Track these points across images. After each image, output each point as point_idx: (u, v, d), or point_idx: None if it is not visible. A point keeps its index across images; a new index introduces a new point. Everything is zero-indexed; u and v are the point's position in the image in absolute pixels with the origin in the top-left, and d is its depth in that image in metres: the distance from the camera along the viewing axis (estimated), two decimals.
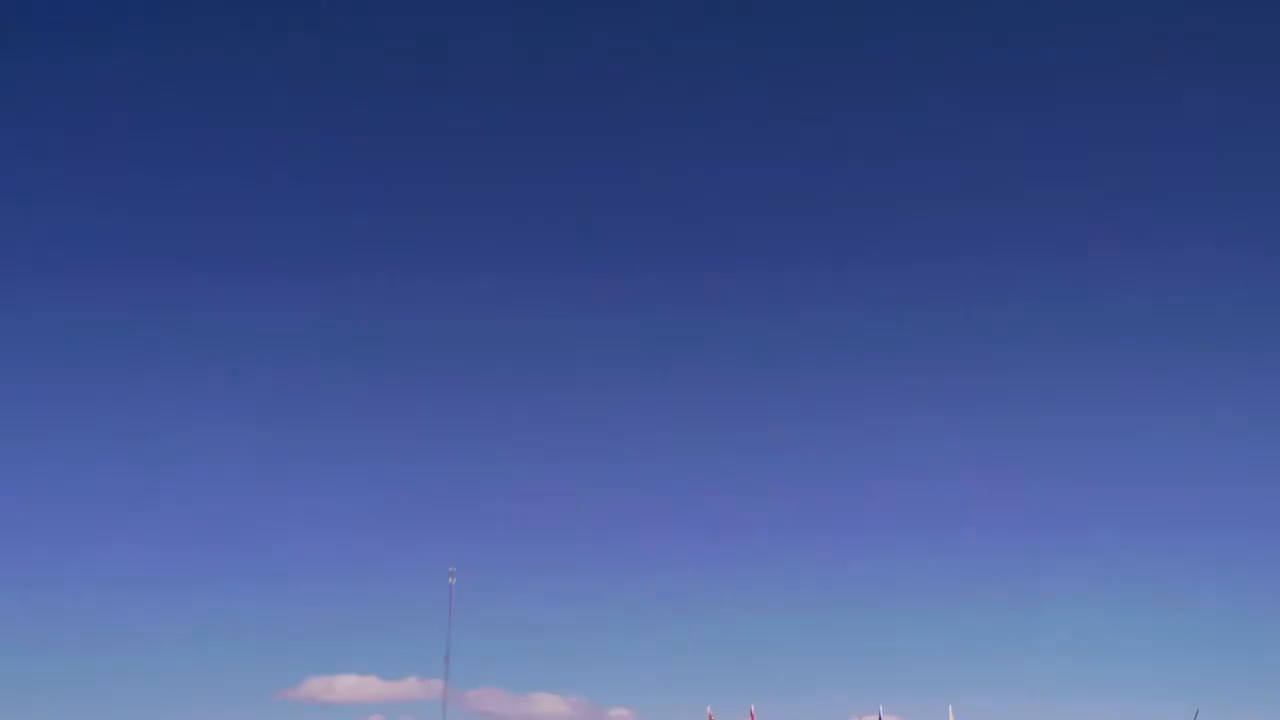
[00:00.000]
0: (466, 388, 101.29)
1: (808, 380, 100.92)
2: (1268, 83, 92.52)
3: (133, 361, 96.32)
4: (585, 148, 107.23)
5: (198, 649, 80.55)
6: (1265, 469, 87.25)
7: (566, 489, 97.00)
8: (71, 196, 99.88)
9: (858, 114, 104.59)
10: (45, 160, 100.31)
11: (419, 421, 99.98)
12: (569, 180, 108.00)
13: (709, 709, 50.78)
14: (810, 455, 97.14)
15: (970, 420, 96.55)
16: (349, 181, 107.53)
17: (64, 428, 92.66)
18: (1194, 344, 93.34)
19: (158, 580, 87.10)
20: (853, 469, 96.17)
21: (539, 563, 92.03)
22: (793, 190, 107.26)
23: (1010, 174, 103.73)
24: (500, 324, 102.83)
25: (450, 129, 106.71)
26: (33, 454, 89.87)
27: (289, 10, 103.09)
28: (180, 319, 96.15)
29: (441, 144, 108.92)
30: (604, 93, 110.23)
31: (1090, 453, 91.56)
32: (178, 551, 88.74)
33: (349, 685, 71.73)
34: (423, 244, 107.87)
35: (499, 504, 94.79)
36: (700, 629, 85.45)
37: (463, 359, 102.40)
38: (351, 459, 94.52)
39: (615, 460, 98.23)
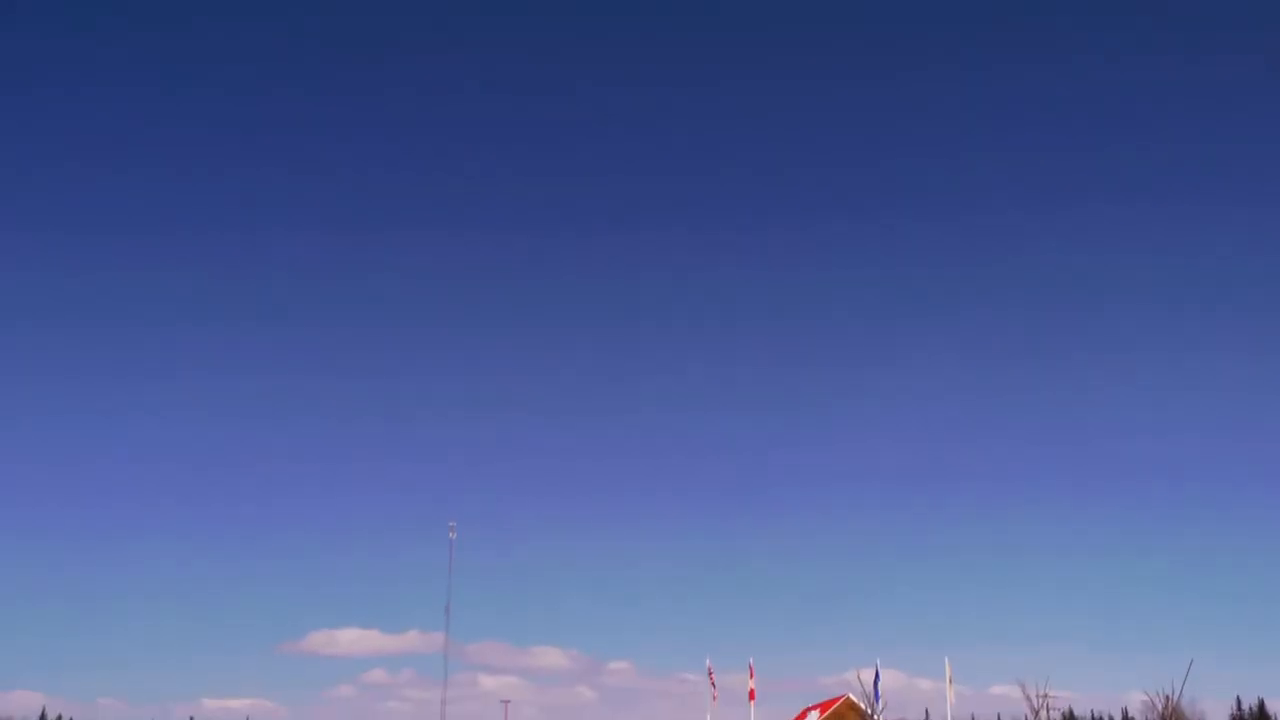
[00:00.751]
0: (465, 344, 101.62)
1: (809, 335, 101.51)
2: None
3: (138, 324, 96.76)
4: (578, 119, 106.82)
5: (203, 603, 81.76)
6: (1260, 422, 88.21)
7: (566, 444, 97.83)
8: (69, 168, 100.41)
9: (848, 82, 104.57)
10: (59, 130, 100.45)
11: (419, 378, 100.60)
12: (564, 152, 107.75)
13: (708, 661, 51.45)
14: (809, 410, 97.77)
15: (968, 378, 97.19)
16: (359, 143, 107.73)
17: (71, 391, 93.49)
18: (1183, 303, 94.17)
19: (164, 535, 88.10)
20: (850, 423, 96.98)
21: (539, 517, 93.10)
22: (792, 156, 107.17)
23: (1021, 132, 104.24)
24: (498, 282, 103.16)
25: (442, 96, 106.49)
26: (45, 415, 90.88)
27: None
28: (181, 281, 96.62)
29: (444, 119, 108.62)
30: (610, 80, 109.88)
31: (1085, 407, 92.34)
32: (183, 509, 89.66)
33: (351, 638, 72.69)
34: (420, 206, 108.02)
35: (499, 460, 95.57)
36: (699, 584, 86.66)
37: (462, 317, 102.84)
38: (353, 416, 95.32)
39: (615, 416, 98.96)
